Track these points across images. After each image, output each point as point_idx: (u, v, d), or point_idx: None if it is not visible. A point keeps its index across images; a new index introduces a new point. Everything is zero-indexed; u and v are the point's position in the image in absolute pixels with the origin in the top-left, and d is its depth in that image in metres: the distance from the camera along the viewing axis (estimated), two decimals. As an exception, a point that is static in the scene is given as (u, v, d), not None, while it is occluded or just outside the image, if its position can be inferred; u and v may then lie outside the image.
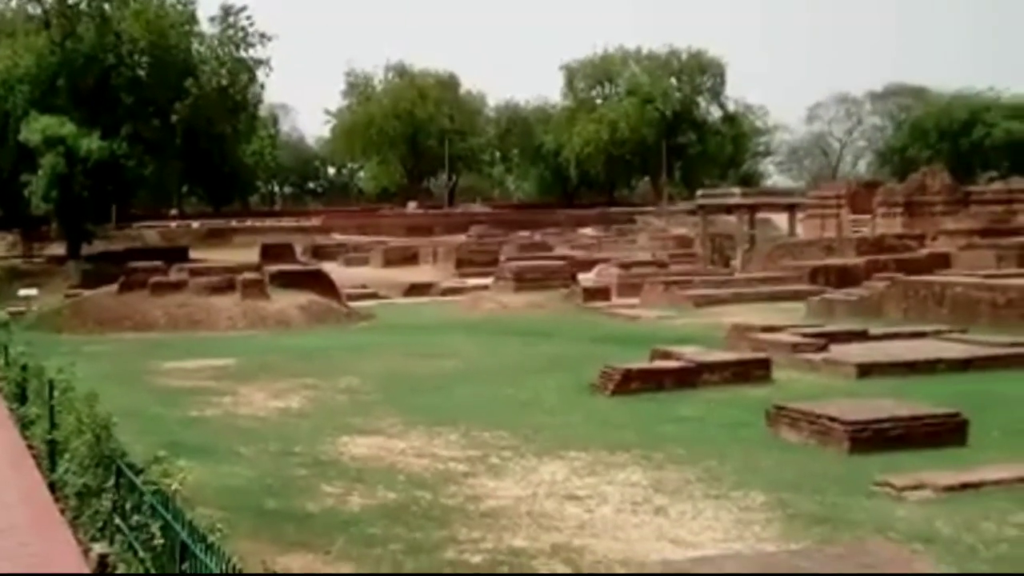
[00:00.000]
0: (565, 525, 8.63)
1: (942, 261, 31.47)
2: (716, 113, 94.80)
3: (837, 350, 17.49)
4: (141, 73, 48.93)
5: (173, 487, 5.37)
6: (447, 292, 36.56)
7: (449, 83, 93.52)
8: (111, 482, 6.49)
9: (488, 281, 35.14)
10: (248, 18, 51.53)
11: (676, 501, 9.32)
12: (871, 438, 11.22)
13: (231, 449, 11.60)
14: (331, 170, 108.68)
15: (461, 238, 54.35)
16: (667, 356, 16.46)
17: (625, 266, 36.21)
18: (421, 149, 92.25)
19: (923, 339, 18.99)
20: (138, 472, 5.96)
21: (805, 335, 18.64)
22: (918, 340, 18.85)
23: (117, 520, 6.29)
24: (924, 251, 34.72)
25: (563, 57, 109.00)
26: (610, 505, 9.25)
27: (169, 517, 4.99)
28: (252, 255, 38.68)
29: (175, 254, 40.98)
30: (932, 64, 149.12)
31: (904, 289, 25.04)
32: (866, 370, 16.04)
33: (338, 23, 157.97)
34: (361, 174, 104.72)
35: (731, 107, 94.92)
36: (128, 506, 6.00)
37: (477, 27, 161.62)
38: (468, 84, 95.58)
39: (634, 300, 30.62)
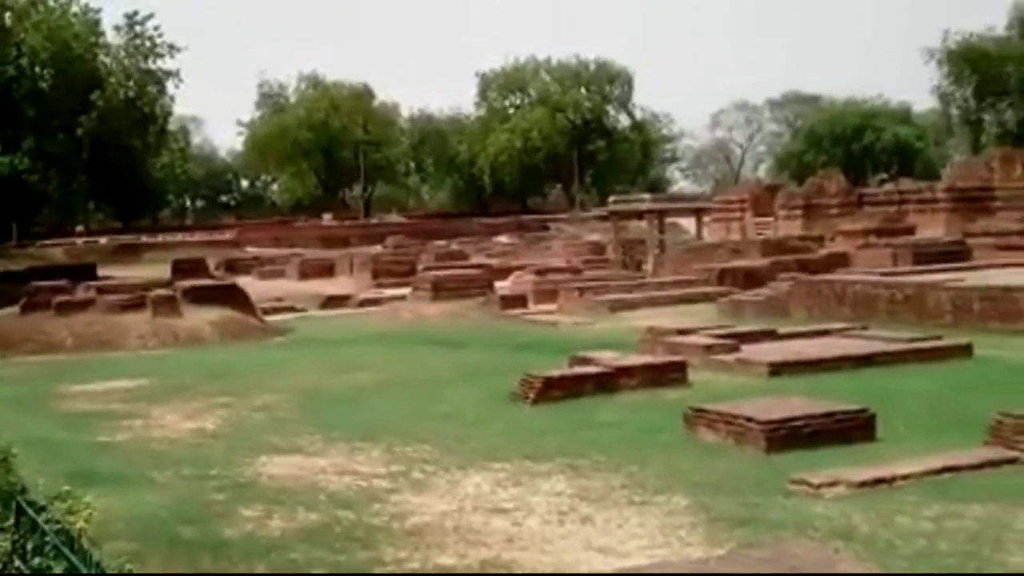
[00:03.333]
0: (492, 539, 8.56)
1: (841, 260, 32.38)
2: (625, 121, 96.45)
3: (748, 350, 17.78)
4: (44, 85, 47.42)
5: (78, 525, 5.10)
6: (365, 303, 36.15)
7: (363, 93, 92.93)
8: (10, 521, 6.16)
9: (406, 291, 34.80)
10: (156, 28, 50.48)
11: (601, 509, 9.33)
12: (786, 436, 11.43)
13: (143, 475, 11.22)
14: (244, 183, 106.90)
15: (377, 249, 53.83)
16: (586, 362, 16.51)
17: (540, 273, 36.28)
18: (335, 160, 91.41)
19: (828, 337, 19.44)
20: (40, 509, 5.67)
21: (717, 336, 18.92)
22: (823, 338, 19.31)
23: (17, 562, 5.97)
24: (824, 251, 35.73)
25: (477, 66, 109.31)
26: (536, 516, 9.21)
27: (75, 559, 4.74)
28: (163, 271, 37.62)
29: (82, 272, 39.42)
30: (824, 73, 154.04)
31: (807, 288, 25.69)
32: (777, 369, 16.35)
33: (250, 33, 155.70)
34: (275, 186, 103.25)
35: (639, 115, 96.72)
36: (29, 547, 5.69)
37: (390, 37, 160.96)
38: (382, 94, 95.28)
39: (551, 306, 30.70)
